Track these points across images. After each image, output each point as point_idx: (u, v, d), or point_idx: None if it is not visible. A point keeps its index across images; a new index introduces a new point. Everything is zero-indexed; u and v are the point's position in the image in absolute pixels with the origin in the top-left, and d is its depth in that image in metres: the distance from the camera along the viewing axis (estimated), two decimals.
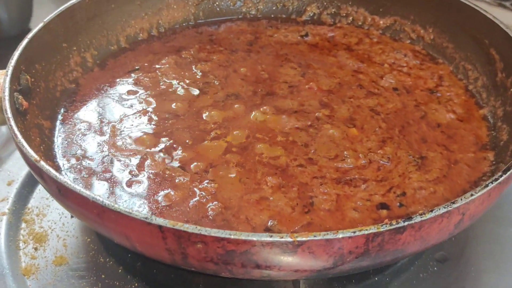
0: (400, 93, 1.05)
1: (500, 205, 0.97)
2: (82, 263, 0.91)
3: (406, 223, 0.67)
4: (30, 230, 0.96)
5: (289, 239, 0.65)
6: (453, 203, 0.70)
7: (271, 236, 0.65)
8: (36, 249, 0.93)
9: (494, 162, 0.91)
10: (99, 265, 0.90)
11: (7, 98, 0.86)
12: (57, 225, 0.96)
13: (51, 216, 0.98)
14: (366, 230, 0.66)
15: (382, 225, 0.67)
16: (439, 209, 0.69)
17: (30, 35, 0.97)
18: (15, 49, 0.94)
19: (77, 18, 1.09)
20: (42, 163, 0.75)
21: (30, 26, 1.54)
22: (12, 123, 0.81)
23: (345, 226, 0.82)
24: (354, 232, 0.66)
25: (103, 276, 0.88)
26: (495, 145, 0.94)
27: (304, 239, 0.65)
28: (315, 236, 0.65)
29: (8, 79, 0.89)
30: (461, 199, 0.70)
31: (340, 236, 0.66)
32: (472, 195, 0.71)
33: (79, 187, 0.71)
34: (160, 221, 0.67)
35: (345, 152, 0.92)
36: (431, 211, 0.68)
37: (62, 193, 0.74)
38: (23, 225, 0.97)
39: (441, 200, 0.85)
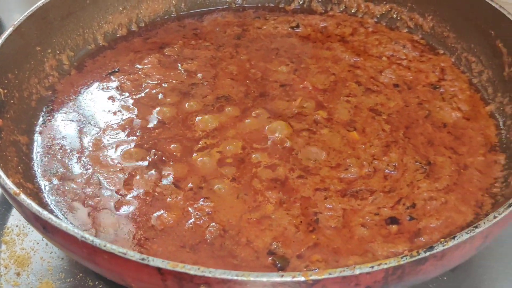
0: (401, 90, 0.99)
1: None
2: None
3: (428, 254, 0.62)
4: (11, 253, 0.89)
5: (302, 278, 0.59)
6: (476, 227, 0.64)
7: (282, 276, 0.59)
8: (18, 274, 0.86)
9: (506, 167, 0.85)
10: None
11: None
12: (40, 246, 0.89)
13: (33, 235, 0.90)
14: (386, 264, 0.61)
15: (402, 258, 0.61)
16: (462, 235, 0.63)
17: None
18: None
19: (50, 18, 1.00)
20: (23, 196, 0.67)
21: None
22: None
23: (354, 245, 0.76)
24: (373, 267, 0.60)
25: None
26: (506, 146, 0.88)
27: (318, 277, 0.59)
28: (330, 274, 0.59)
29: None
30: (484, 223, 0.65)
31: (358, 272, 0.60)
32: (495, 217, 0.65)
33: (65, 224, 0.64)
34: (158, 262, 0.60)
35: (348, 159, 0.86)
36: (454, 237, 0.63)
37: (47, 230, 0.67)
38: (3, 247, 0.89)
39: (453, 211, 0.80)
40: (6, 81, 0.89)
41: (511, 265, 0.87)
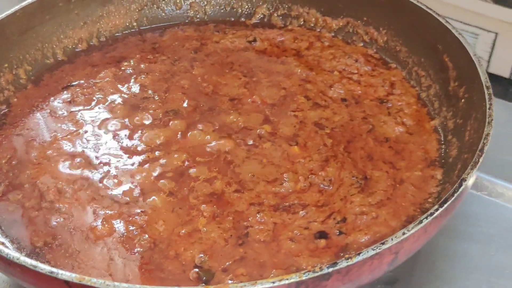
0: (348, 104, 0.99)
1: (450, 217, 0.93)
2: None
3: (331, 269, 0.63)
4: None
5: None
6: (383, 243, 0.65)
7: None
8: None
9: (441, 182, 0.86)
10: None
11: None
12: None
13: None
14: (287, 279, 0.62)
15: (304, 273, 0.62)
16: (368, 251, 0.64)
17: None
18: None
19: (7, 34, 1.02)
20: None
21: None
22: None
23: (280, 259, 0.77)
24: (274, 282, 0.61)
25: None
26: (444, 161, 0.89)
27: None
28: None
29: None
30: (392, 239, 0.66)
31: (260, 287, 0.61)
32: (404, 233, 0.66)
33: None
34: (66, 276, 0.62)
35: (284, 174, 0.87)
36: (359, 254, 0.64)
37: None
38: None
39: (383, 226, 0.80)
40: None
41: (451, 281, 0.88)
